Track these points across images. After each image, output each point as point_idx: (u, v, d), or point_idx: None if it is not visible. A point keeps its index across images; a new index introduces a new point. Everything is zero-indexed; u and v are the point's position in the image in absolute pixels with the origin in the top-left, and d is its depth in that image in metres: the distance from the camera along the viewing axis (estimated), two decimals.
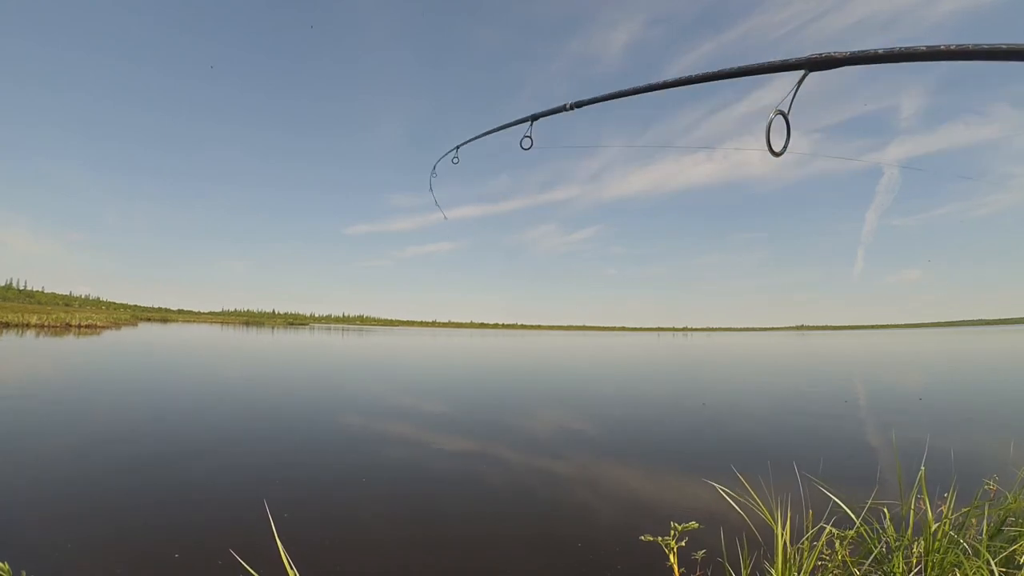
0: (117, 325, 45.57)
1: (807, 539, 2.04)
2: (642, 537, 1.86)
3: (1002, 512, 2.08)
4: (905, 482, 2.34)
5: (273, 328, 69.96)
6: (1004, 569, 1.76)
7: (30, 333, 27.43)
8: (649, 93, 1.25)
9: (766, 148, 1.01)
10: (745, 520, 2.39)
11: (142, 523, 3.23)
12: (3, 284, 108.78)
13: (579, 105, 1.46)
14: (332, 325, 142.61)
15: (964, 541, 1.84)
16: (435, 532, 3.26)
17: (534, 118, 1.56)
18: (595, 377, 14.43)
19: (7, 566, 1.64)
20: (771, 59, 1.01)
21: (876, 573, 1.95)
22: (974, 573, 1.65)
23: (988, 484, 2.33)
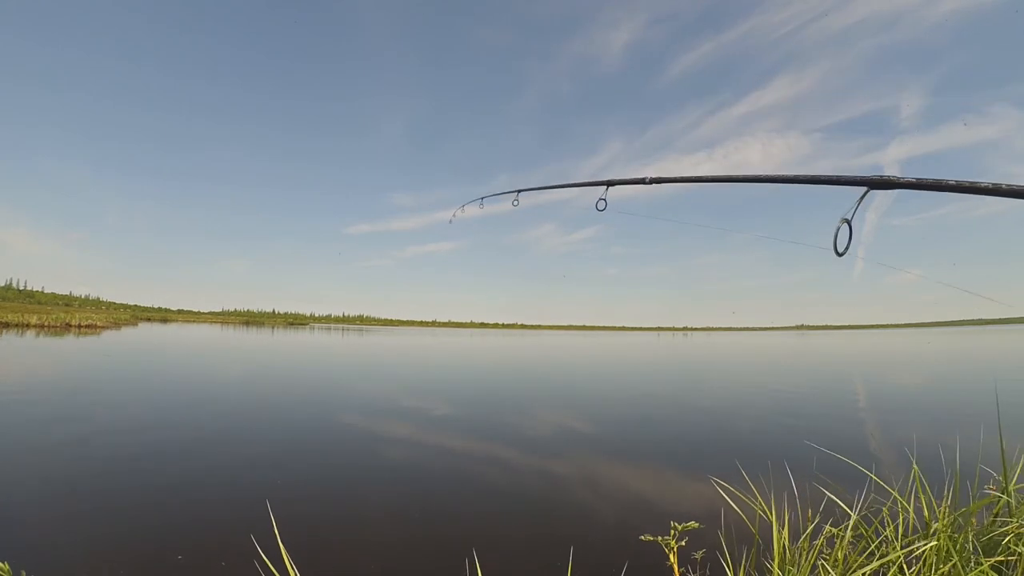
0: (117, 325, 45.55)
1: (806, 538, 2.05)
2: (642, 537, 1.87)
3: (1000, 512, 2.09)
4: (905, 482, 2.35)
5: (273, 328, 69.92)
6: (1002, 569, 1.76)
7: (30, 333, 27.43)
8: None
9: (832, 248, 1.16)
10: (744, 520, 2.40)
11: (143, 523, 3.23)
12: (3, 284, 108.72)
13: (658, 181, 1.60)
14: (332, 325, 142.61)
15: (962, 540, 1.85)
16: (436, 531, 3.27)
17: (610, 183, 1.72)
18: (595, 376, 14.43)
19: (7, 566, 1.64)
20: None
21: (875, 572, 1.95)
22: (973, 573, 1.65)
23: (987, 484, 2.33)
